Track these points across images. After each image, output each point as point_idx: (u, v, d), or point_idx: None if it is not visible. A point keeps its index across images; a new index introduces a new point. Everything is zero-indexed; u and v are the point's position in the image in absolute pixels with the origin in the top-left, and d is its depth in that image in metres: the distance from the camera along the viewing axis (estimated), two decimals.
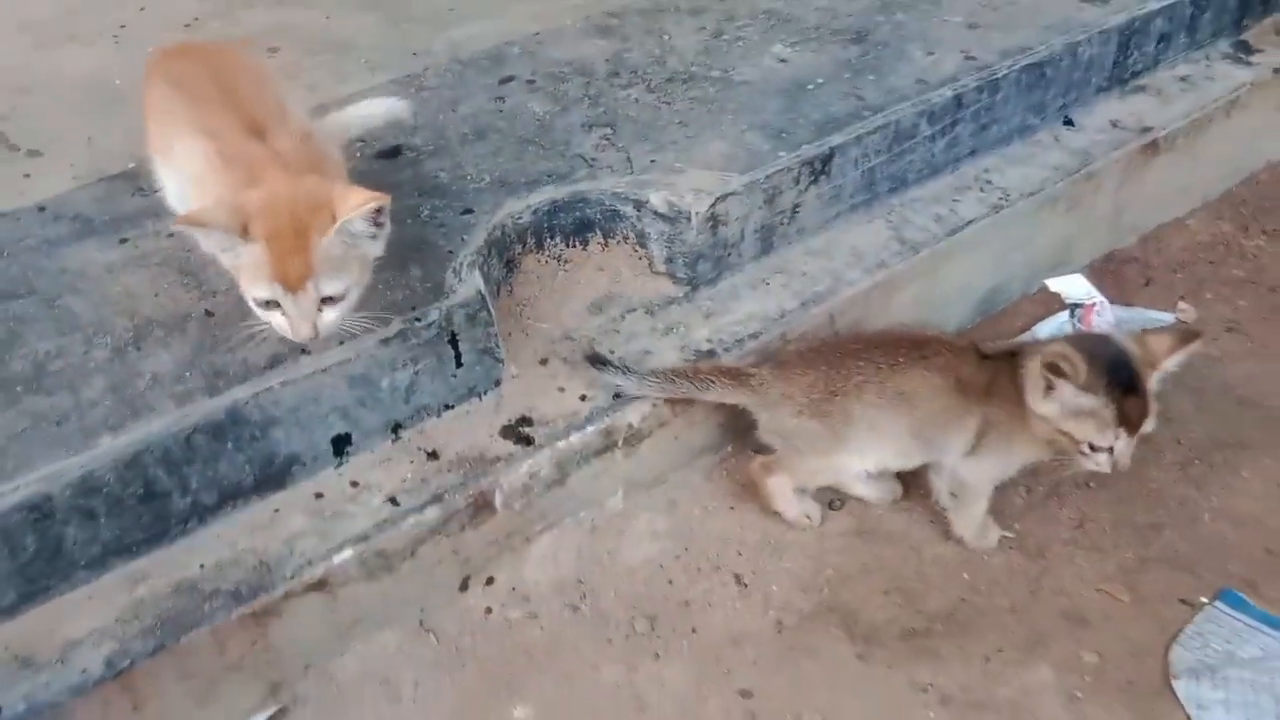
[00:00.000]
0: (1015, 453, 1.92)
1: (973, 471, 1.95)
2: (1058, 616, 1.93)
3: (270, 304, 1.58)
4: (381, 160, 2.10)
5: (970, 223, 2.27)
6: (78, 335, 1.75)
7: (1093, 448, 1.80)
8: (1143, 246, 2.71)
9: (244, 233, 1.53)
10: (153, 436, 1.60)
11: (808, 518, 2.05)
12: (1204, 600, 1.95)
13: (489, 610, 1.91)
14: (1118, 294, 2.51)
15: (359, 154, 1.88)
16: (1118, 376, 1.76)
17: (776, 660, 1.86)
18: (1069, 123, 2.52)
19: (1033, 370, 1.82)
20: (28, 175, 2.10)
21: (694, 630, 1.90)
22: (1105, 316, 2.27)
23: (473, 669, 1.83)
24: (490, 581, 1.92)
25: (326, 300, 1.59)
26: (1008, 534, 2.05)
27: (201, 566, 1.66)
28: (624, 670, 1.84)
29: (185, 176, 1.71)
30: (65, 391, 1.66)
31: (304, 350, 1.72)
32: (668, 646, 1.88)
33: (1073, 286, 2.29)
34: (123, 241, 1.93)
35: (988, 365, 1.91)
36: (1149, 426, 1.80)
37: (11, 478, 1.54)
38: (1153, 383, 1.78)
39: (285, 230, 1.53)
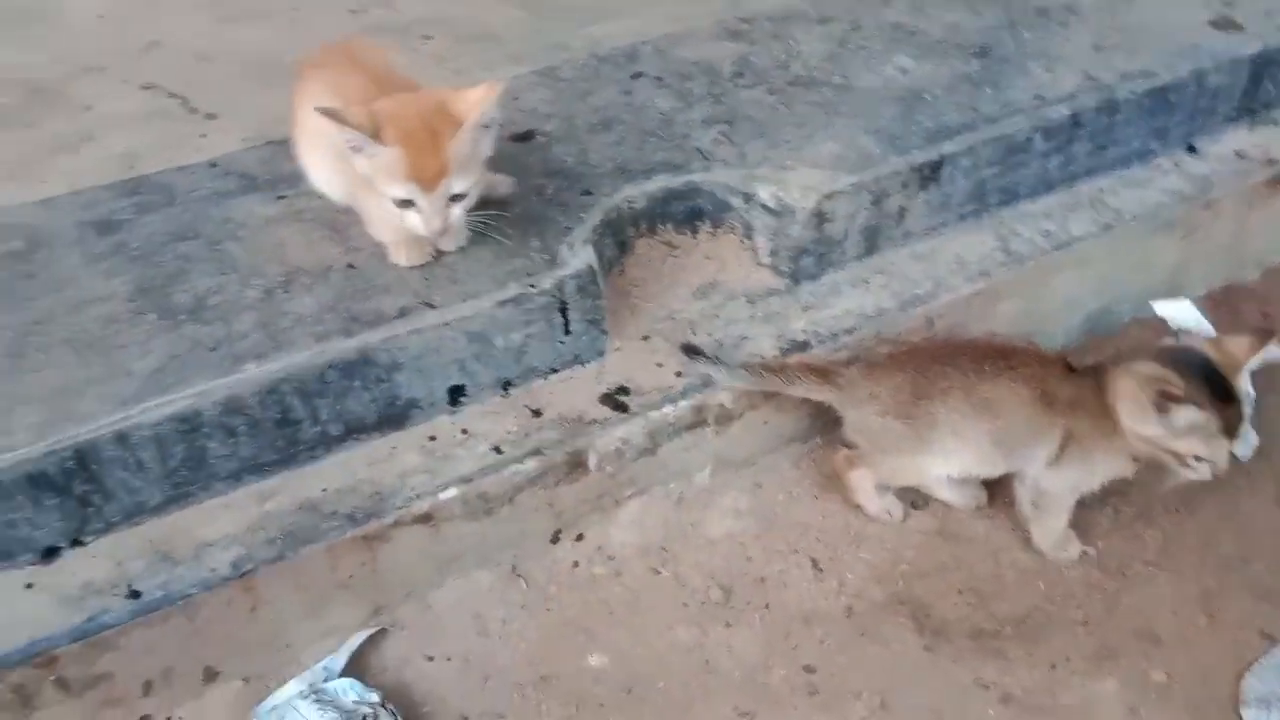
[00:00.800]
0: (1097, 467, 1.95)
1: (1054, 482, 1.98)
2: (1130, 634, 1.94)
3: (405, 203, 1.79)
4: (515, 143, 2.26)
5: (1079, 239, 2.29)
6: (234, 275, 1.95)
7: (1197, 459, 1.84)
8: (1264, 283, 2.67)
9: (377, 135, 1.72)
10: (292, 368, 1.79)
11: (889, 513, 2.11)
12: None
13: (576, 564, 2.04)
14: (1233, 329, 2.48)
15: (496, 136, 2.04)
16: (1215, 388, 1.80)
17: (843, 642, 1.93)
18: (1191, 150, 2.51)
19: (1127, 390, 1.85)
20: (204, 135, 2.34)
21: (767, 605, 1.99)
22: None
23: (556, 615, 1.96)
24: (580, 538, 2.05)
25: (454, 198, 1.81)
26: (1089, 550, 2.07)
27: (323, 490, 1.84)
28: (697, 633, 1.94)
29: (327, 146, 1.89)
30: (220, 323, 1.86)
31: (431, 304, 1.88)
32: (740, 617, 1.97)
33: (1180, 312, 2.29)
34: (280, 198, 2.13)
35: (1074, 379, 1.94)
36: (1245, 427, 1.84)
37: (169, 392, 1.74)
38: (1241, 383, 1.82)
39: (419, 133, 1.74)
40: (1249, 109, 2.57)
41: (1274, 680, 1.84)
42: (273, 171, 2.20)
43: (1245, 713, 1.80)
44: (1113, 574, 2.04)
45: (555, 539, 2.03)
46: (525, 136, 2.28)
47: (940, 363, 2.00)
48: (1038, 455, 1.96)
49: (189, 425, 1.75)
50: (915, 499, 2.14)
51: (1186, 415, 1.79)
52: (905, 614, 1.97)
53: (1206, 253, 2.51)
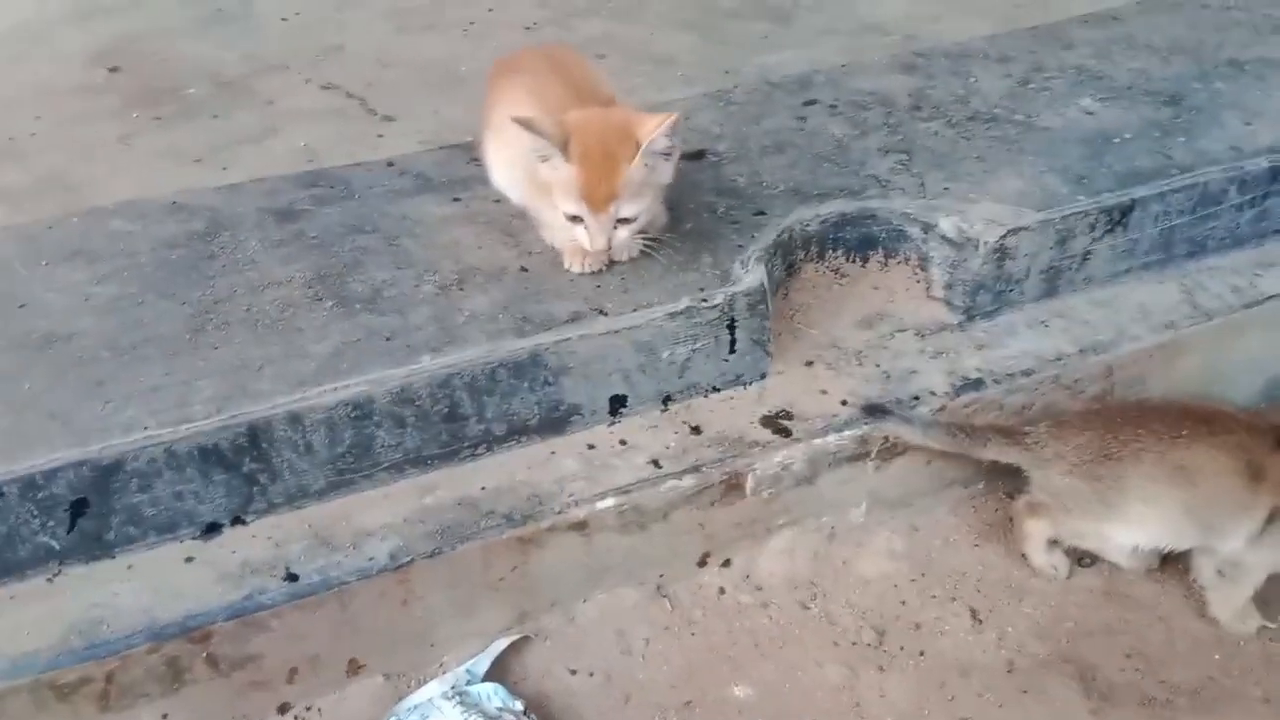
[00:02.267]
0: None
1: (1252, 557, 1.85)
2: None
3: (575, 218, 1.82)
4: (686, 161, 2.24)
5: (1271, 298, 2.16)
6: (410, 270, 1.97)
7: None
8: None
9: (564, 149, 1.75)
10: (464, 363, 1.79)
11: (1054, 568, 2.00)
12: None
13: (722, 590, 1.98)
14: None
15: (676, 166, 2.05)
16: None
17: (1004, 697, 1.83)
18: None
19: None
20: (381, 135, 2.39)
21: (922, 653, 1.90)
22: None
23: (701, 641, 1.91)
24: (727, 563, 2.00)
25: (622, 221, 1.83)
26: (1269, 625, 1.93)
27: (483, 488, 1.83)
28: (847, 674, 1.86)
29: (515, 144, 1.91)
30: (395, 314, 1.87)
31: (602, 312, 1.87)
32: (893, 661, 1.89)
33: None
34: (455, 200, 2.16)
35: None
36: None
37: (344, 377, 1.76)
38: None
39: (596, 156, 1.77)
40: None
41: None
42: (448, 174, 2.23)
43: None
44: None
45: (703, 562, 1.98)
46: (697, 155, 2.27)
47: (1132, 423, 1.90)
48: (1235, 532, 1.84)
49: (361, 412, 1.76)
50: (1083, 555, 2.03)
51: None
52: (1070, 674, 1.86)
53: None
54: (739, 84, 2.53)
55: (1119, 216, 2.11)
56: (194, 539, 1.76)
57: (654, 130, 1.78)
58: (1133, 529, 1.91)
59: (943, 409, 1.97)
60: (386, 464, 1.82)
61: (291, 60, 2.72)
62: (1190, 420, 1.88)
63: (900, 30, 2.71)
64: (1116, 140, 2.26)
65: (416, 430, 1.80)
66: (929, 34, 2.71)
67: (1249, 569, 1.87)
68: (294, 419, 1.73)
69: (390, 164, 2.28)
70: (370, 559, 1.73)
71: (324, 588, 1.70)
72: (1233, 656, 1.90)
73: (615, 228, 1.84)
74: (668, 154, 1.84)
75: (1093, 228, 2.10)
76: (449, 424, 1.82)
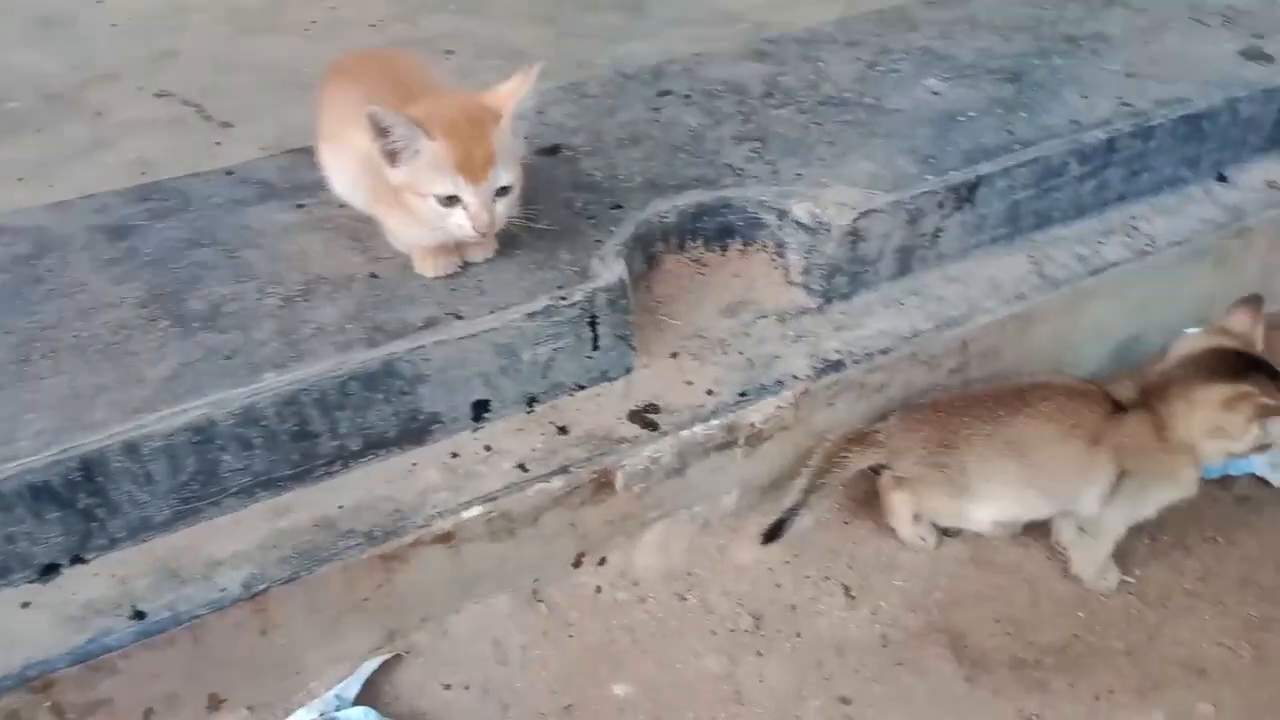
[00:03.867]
0: (1155, 495, 1.89)
1: (1108, 514, 1.92)
2: (1174, 665, 1.88)
3: (450, 200, 1.71)
4: (540, 156, 2.21)
5: (1113, 265, 2.24)
6: (252, 283, 1.88)
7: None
8: None
9: (425, 127, 1.66)
10: (312, 378, 1.71)
11: (922, 539, 2.04)
12: None
13: (599, 589, 1.96)
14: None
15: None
16: (1266, 371, 1.79)
17: (879, 672, 1.86)
18: (1223, 179, 2.48)
19: (1210, 416, 1.80)
20: (219, 143, 2.29)
21: (798, 634, 1.91)
22: None
23: (578, 642, 1.88)
24: (603, 562, 1.98)
25: (501, 192, 1.73)
26: (1128, 579, 2.01)
27: (340, 507, 1.76)
28: (726, 662, 1.86)
29: (352, 151, 1.83)
30: (237, 330, 1.78)
31: (458, 315, 1.82)
32: (771, 645, 1.89)
33: None
34: (299, 206, 2.07)
35: (1117, 410, 1.89)
36: None
37: (182, 401, 1.66)
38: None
39: (462, 126, 1.68)
40: (1279, 140, 2.54)
41: None
42: (292, 180, 2.14)
43: None
44: (1153, 604, 1.98)
45: (578, 563, 1.96)
46: (552, 150, 2.23)
47: (960, 412, 1.98)
48: (1087, 494, 1.90)
49: (202, 436, 1.67)
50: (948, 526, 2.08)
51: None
52: (943, 643, 1.90)
53: (1238, 282, 2.46)
54: (593, 76, 2.50)
55: (966, 194, 2.15)
56: (30, 582, 1.65)
57: (516, 90, 1.72)
58: (985, 506, 1.97)
59: (805, 392, 1.98)
60: (235, 489, 1.73)
61: (123, 68, 2.58)
62: (1008, 397, 1.96)
63: (751, 18, 2.72)
64: (962, 119, 2.30)
65: (265, 451, 1.72)
66: (780, 21, 2.73)
67: (1107, 527, 1.94)
68: (131, 448, 1.63)
69: (230, 172, 2.18)
70: (222, 589, 1.64)
71: (174, 623, 1.61)
72: (1096, 614, 1.97)
73: (494, 201, 1.74)
74: (524, 116, 1.77)
75: (941, 206, 2.14)
76: (300, 443, 1.74)
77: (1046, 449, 1.90)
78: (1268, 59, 2.52)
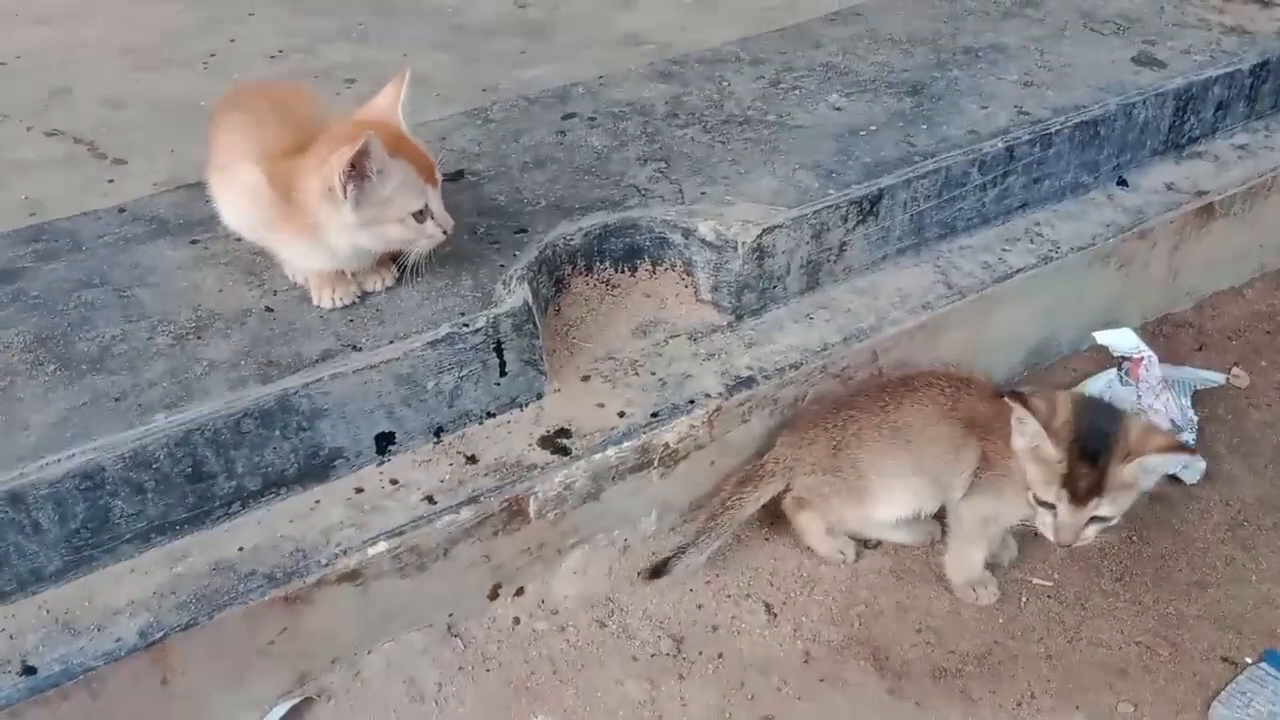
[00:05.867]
0: (1007, 497, 1.85)
1: (966, 510, 1.93)
2: (1095, 666, 1.88)
3: (420, 213, 1.73)
4: (444, 183, 2.17)
5: (1019, 271, 2.27)
6: (143, 323, 1.82)
7: (1039, 501, 1.75)
8: (1198, 312, 2.69)
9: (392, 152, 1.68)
10: (204, 417, 1.66)
11: (841, 554, 2.04)
12: (1249, 660, 1.89)
13: (517, 620, 1.92)
14: (1170, 357, 2.48)
15: None
16: (1087, 442, 1.70)
17: (802, 689, 1.84)
18: (1123, 183, 2.53)
19: (1009, 409, 1.78)
20: (111, 180, 2.22)
21: (720, 655, 1.89)
22: (1154, 371, 2.24)
23: (497, 676, 1.84)
24: (520, 592, 1.94)
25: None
26: (997, 593, 1.98)
27: (240, 549, 1.70)
28: (648, 688, 1.83)
29: (242, 185, 1.80)
30: (126, 372, 1.72)
31: (355, 347, 1.78)
32: (693, 668, 1.87)
33: (1121, 339, 2.27)
34: (193, 242, 2.02)
35: (994, 402, 1.89)
36: (1104, 510, 1.71)
37: (68, 446, 1.60)
38: (1125, 471, 1.69)
39: (398, 142, 1.71)
40: (1175, 143, 2.61)
41: (1241, 707, 1.79)
42: (186, 215, 2.09)
43: None
44: (1071, 606, 1.99)
45: (494, 595, 1.91)
46: (455, 176, 2.21)
47: (845, 407, 1.99)
48: (958, 480, 1.91)
49: (91, 482, 1.61)
50: (868, 538, 2.07)
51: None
52: (865, 656, 1.89)
53: (1143, 284, 2.52)
54: (497, 101, 2.48)
55: (869, 206, 2.16)
56: None
57: (397, 94, 1.78)
58: (882, 504, 1.97)
59: (718, 410, 1.97)
60: (129, 535, 1.67)
61: (12, 108, 2.50)
62: (892, 386, 1.99)
63: (655, 39, 2.72)
64: (863, 133, 2.32)
65: (159, 495, 1.66)
66: (684, 42, 2.73)
67: (969, 524, 1.94)
68: (15, 498, 1.57)
69: (122, 210, 2.11)
70: (118, 640, 1.58)
71: (67, 677, 1.54)
72: (1015, 618, 1.97)
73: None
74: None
75: (845, 219, 2.15)
76: (195, 484, 1.68)
77: (927, 431, 1.92)
78: (1159, 64, 2.59)
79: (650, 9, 3.00)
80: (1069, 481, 1.70)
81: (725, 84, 2.53)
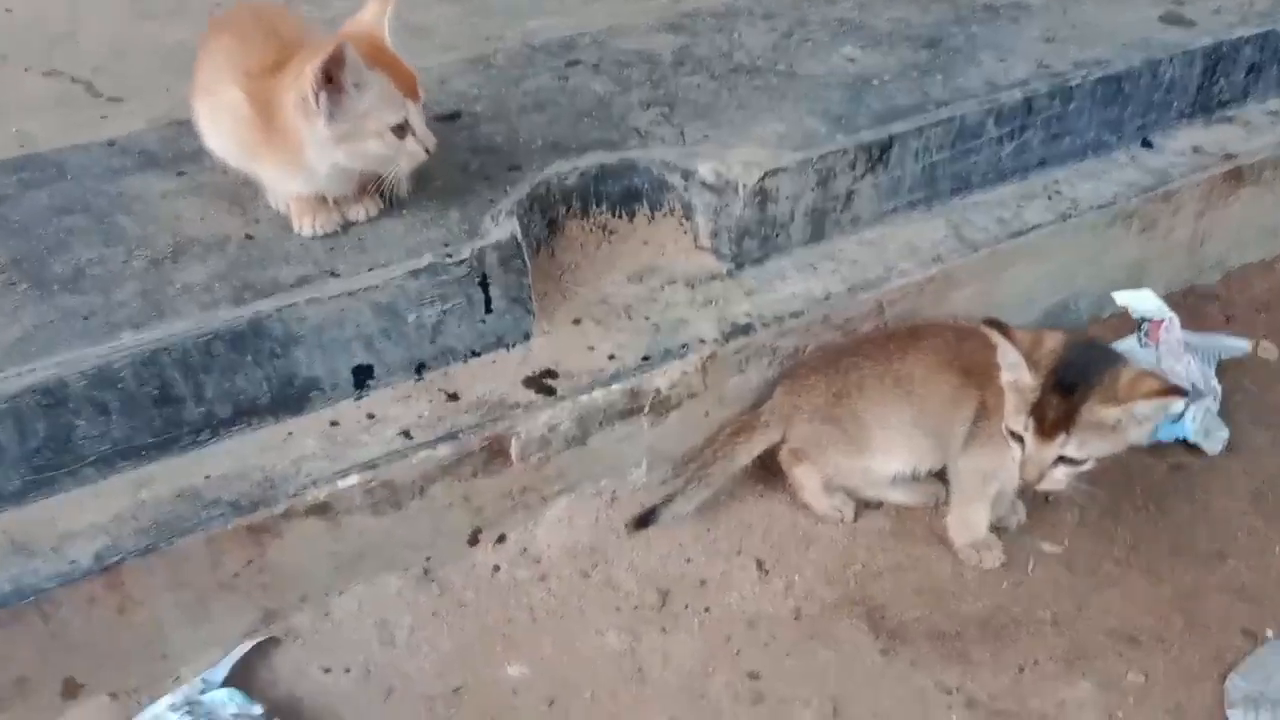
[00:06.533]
0: (1004, 449, 1.71)
1: (965, 464, 1.83)
2: (1104, 634, 1.79)
3: (400, 129, 1.66)
4: (439, 122, 2.11)
5: (1035, 228, 2.17)
6: (120, 247, 1.77)
7: (1009, 431, 1.65)
8: (1225, 285, 2.57)
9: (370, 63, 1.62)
10: (173, 337, 1.60)
11: (839, 511, 1.95)
12: (1269, 633, 1.78)
13: (497, 568, 1.84)
14: (1195, 328, 2.37)
15: None
16: (1064, 374, 1.60)
17: (791, 646, 1.75)
18: (1148, 145, 2.43)
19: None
20: (105, 117, 2.18)
21: (707, 609, 1.81)
22: (1174, 334, 2.13)
23: (473, 623, 1.77)
24: (502, 539, 1.86)
25: None
26: (1004, 558, 1.89)
27: (207, 477, 1.64)
28: (629, 639, 1.76)
29: (223, 105, 1.75)
30: (97, 292, 1.67)
31: (333, 273, 1.72)
32: (677, 621, 1.79)
33: (1141, 301, 2.16)
34: (180, 174, 1.97)
35: (993, 351, 1.78)
36: (1071, 449, 1.60)
37: (30, 361, 1.55)
38: (1104, 413, 1.58)
39: (379, 56, 1.65)
40: (1205, 106, 2.50)
41: (1261, 680, 1.68)
42: (175, 149, 2.04)
43: (1231, 714, 1.65)
44: (1081, 573, 1.89)
45: (474, 540, 1.84)
46: (451, 116, 2.14)
47: (849, 354, 1.92)
48: (956, 432, 1.82)
49: (53, 399, 1.55)
50: (868, 497, 1.98)
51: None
52: (859, 615, 1.80)
53: (1167, 251, 2.41)
54: (500, 49, 2.42)
55: (878, 154, 2.08)
56: None
57: (384, 10, 1.72)
58: (880, 456, 1.89)
59: (712, 357, 1.89)
60: (93, 458, 1.61)
61: (12, 51, 2.47)
62: (899, 336, 1.92)
63: None
64: (875, 83, 2.24)
65: (124, 417, 1.61)
66: None
67: (969, 479, 1.85)
68: None
69: (111, 143, 2.07)
70: (72, 562, 1.52)
71: (18, 598, 1.49)
72: (1021, 584, 1.88)
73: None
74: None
75: (853, 166, 2.06)
76: (163, 408, 1.63)
77: (928, 383, 1.83)
78: (1188, 23, 2.48)
79: None
80: (1037, 410, 1.60)
81: (736, 35, 2.46)
